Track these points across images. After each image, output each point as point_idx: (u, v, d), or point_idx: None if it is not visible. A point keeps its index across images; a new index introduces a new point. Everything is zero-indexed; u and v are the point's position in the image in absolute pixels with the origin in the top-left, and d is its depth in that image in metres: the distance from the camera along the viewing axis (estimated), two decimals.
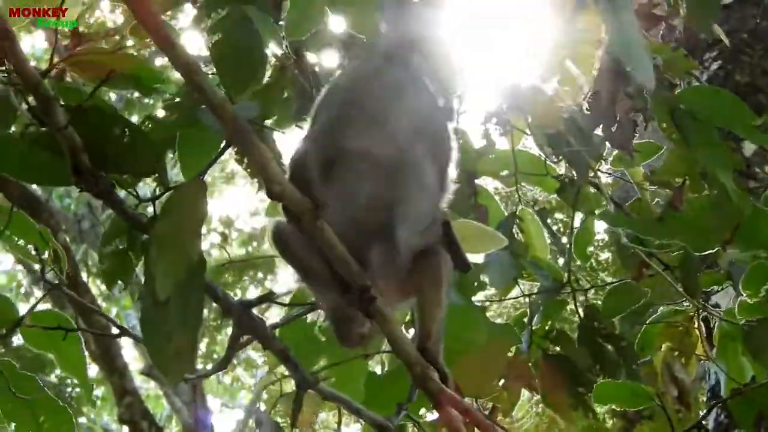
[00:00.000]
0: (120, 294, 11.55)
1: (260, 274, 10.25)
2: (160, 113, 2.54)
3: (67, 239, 7.60)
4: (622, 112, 2.92)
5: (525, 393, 3.53)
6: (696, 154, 2.99)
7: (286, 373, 2.69)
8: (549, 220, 3.81)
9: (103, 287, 11.24)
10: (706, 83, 4.97)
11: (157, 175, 2.30)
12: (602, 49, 2.72)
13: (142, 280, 2.09)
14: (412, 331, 2.37)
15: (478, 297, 3.51)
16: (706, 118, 2.94)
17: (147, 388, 12.18)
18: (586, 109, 2.95)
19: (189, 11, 2.70)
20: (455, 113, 3.03)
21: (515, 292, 3.65)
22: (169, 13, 2.94)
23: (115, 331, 2.75)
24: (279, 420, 2.96)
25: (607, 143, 3.04)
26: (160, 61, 2.79)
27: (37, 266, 2.87)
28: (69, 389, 8.57)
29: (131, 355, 10.35)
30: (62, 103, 2.12)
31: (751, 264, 3.04)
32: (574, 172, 3.22)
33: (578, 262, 3.77)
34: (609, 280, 6.01)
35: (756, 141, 3.29)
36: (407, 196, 1.99)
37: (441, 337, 2.10)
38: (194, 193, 2.04)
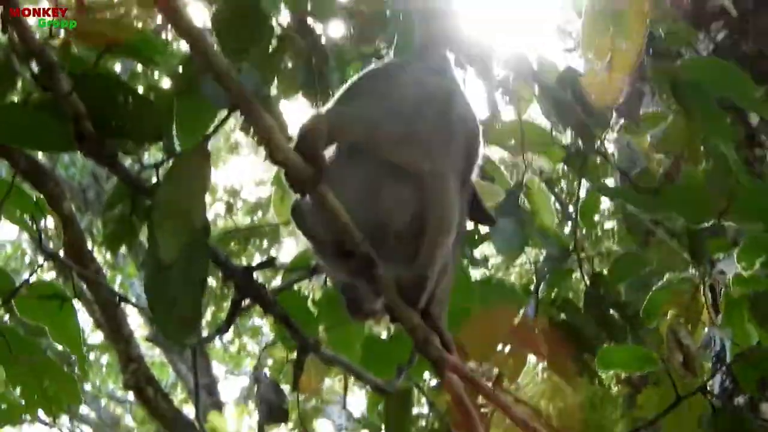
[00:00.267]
0: (124, 262, 11.59)
1: (265, 243, 10.25)
2: (166, 84, 2.54)
3: (73, 207, 7.60)
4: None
5: (531, 360, 3.54)
6: (696, 126, 2.98)
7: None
8: (555, 189, 3.81)
9: (109, 255, 11.28)
10: (712, 53, 4.96)
11: (162, 142, 2.30)
12: None
13: (146, 247, 2.09)
14: None
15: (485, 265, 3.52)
16: (707, 89, 2.93)
17: (152, 355, 12.23)
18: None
19: None
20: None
21: (522, 260, 3.66)
22: None
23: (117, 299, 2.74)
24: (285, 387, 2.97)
25: (614, 112, 3.03)
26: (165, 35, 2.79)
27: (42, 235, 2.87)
28: (74, 357, 8.61)
29: (137, 322, 10.38)
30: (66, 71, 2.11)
31: (746, 236, 3.03)
32: (580, 142, 3.22)
33: (584, 231, 3.77)
34: (615, 248, 6.01)
35: (757, 111, 3.27)
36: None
37: (445, 301, 2.10)
38: (199, 160, 2.03)
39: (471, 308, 2.94)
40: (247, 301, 2.42)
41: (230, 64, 1.92)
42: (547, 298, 3.43)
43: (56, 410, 2.88)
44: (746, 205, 2.86)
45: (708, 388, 3.33)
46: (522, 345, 3.34)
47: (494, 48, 3.02)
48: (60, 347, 2.90)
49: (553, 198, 3.57)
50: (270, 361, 4.51)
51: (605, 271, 3.52)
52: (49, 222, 2.77)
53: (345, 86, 2.14)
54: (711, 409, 3.00)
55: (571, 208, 3.73)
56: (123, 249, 2.49)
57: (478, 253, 3.63)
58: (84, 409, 12.18)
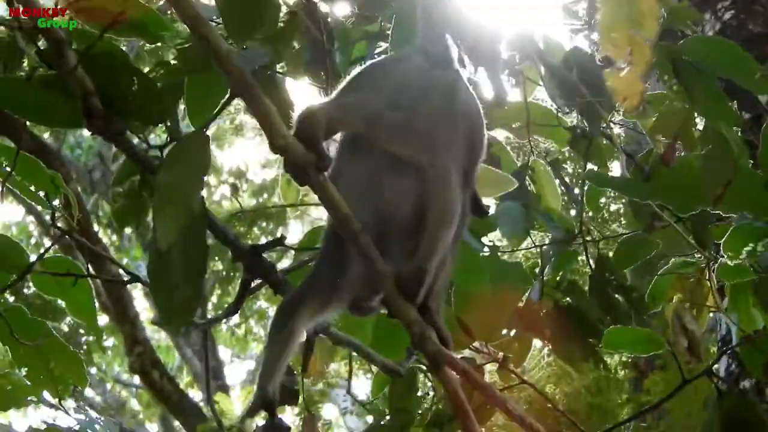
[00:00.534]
0: (130, 244, 11.62)
1: (271, 225, 10.26)
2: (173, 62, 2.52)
3: (79, 189, 7.61)
4: None
5: (536, 344, 3.54)
6: (691, 108, 2.95)
7: None
8: (561, 172, 3.80)
9: (114, 237, 11.30)
10: (719, 33, 4.93)
11: (167, 124, 2.29)
12: None
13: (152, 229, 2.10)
14: None
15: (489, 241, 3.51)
16: (709, 69, 2.91)
17: (158, 338, 12.27)
18: (599, 60, 2.92)
19: None
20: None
21: (527, 243, 3.65)
22: None
23: (126, 278, 2.74)
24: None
25: None
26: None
27: (48, 216, 2.87)
28: (81, 338, 8.64)
29: (142, 305, 10.41)
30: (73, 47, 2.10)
31: (734, 225, 3.00)
32: (586, 124, 3.21)
33: (590, 214, 3.76)
34: (620, 231, 6.01)
35: (759, 91, 3.25)
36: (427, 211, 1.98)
37: (443, 295, 2.10)
38: (197, 145, 2.03)
39: (480, 285, 2.94)
40: (256, 282, 2.42)
41: (231, 48, 1.91)
42: (552, 282, 3.43)
43: (62, 391, 2.88)
44: (740, 193, 2.83)
45: (714, 371, 3.33)
46: (527, 329, 3.33)
47: (499, 31, 3.01)
48: (65, 329, 2.91)
49: (558, 181, 3.55)
50: None
51: (611, 255, 3.51)
52: (55, 205, 2.75)
53: (345, 80, 2.12)
54: (717, 392, 2.99)
55: (576, 191, 3.71)
56: (128, 231, 2.49)
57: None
58: (89, 393, 12.23)
